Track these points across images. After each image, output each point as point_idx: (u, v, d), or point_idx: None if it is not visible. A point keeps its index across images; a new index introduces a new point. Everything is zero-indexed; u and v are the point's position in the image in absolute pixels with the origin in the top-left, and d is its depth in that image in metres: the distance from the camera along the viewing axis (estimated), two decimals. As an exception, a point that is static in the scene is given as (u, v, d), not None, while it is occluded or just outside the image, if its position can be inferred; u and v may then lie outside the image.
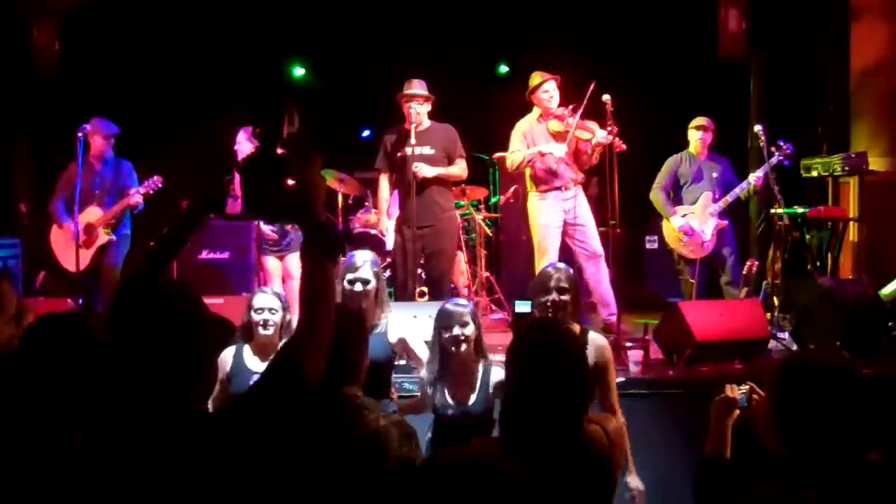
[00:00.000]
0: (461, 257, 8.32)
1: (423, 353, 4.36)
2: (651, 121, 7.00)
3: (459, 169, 6.97)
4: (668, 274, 8.74)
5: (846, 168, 7.82)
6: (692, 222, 7.34)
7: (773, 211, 7.43)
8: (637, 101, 6.97)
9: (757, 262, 7.28)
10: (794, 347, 6.40)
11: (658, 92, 9.07)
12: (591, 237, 6.96)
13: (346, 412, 2.67)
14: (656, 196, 7.50)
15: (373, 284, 4.34)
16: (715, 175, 7.42)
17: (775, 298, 7.20)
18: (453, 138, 6.94)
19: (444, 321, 3.99)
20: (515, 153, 7.01)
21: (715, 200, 7.37)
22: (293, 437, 2.25)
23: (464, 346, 3.97)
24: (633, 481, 4.16)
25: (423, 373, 4.16)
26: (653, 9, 9.43)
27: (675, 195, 7.56)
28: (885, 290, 6.64)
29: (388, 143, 6.94)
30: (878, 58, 8.21)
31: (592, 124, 6.84)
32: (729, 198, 7.35)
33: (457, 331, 3.94)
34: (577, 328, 4.14)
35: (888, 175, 8.07)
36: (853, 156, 7.85)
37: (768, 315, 6.79)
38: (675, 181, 7.53)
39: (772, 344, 6.39)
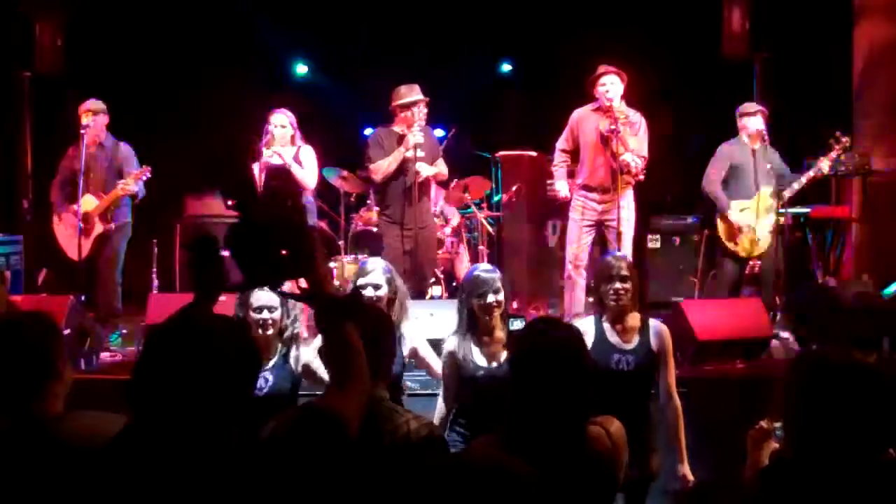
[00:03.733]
0: (464, 255, 8.32)
1: (435, 361, 4.33)
2: (654, 119, 6.97)
3: (445, 167, 7.16)
4: (670, 273, 8.74)
5: (849, 168, 7.81)
6: (749, 218, 7.04)
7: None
8: (640, 99, 6.95)
9: (759, 263, 7.25)
10: (796, 347, 6.39)
11: (661, 91, 9.06)
12: (612, 244, 6.77)
13: (378, 415, 2.67)
14: (712, 188, 7.12)
15: (384, 290, 4.25)
16: (769, 166, 7.00)
17: (777, 298, 7.19)
18: (435, 140, 7.13)
19: (478, 288, 4.01)
20: (556, 154, 7.06)
21: (772, 194, 7.00)
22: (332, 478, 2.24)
23: (497, 313, 4.03)
24: (684, 469, 4.22)
25: (449, 345, 4.13)
26: (657, 8, 9.43)
27: (730, 187, 7.16)
28: (888, 290, 6.63)
29: (383, 144, 6.94)
30: (881, 58, 8.21)
31: (635, 142, 6.64)
32: (787, 192, 7.01)
33: (490, 298, 3.99)
34: (637, 316, 4.21)
35: (891, 175, 8.07)
36: (856, 156, 7.83)
37: (770, 315, 6.77)
38: (730, 172, 7.14)
39: (774, 343, 6.39)
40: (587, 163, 6.84)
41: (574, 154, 6.98)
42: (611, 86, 6.71)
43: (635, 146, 6.64)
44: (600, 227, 6.88)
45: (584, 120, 6.91)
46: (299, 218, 2.20)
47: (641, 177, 6.68)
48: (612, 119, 6.57)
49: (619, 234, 6.69)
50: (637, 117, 6.79)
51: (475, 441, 2.68)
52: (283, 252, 2.11)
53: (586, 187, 6.87)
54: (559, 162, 7.06)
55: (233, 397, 2.00)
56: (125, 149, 7.20)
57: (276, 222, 2.17)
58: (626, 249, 6.71)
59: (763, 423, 2.76)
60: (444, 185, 8.07)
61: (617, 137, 6.54)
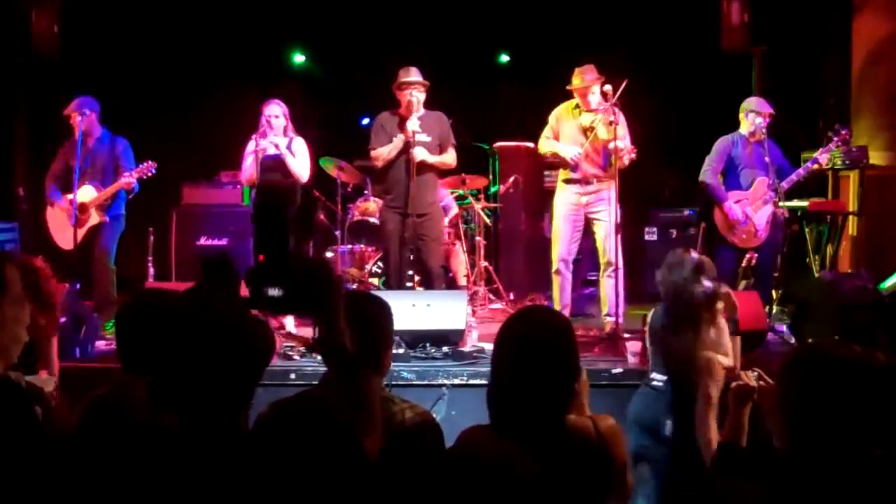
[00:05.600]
0: (460, 247, 8.31)
1: None
2: (653, 112, 6.97)
3: (451, 158, 7.00)
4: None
5: (846, 162, 7.82)
6: (746, 209, 7.06)
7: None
8: (639, 92, 6.94)
9: (756, 255, 7.24)
10: (792, 340, 6.40)
11: (660, 84, 9.06)
12: (602, 237, 6.92)
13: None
14: (708, 180, 7.15)
15: None
16: (768, 159, 7.00)
17: (774, 291, 7.19)
18: (446, 127, 6.97)
19: (711, 272, 4.02)
20: (543, 141, 7.13)
21: (770, 186, 7.02)
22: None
23: None
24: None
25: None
26: (656, 0, 9.41)
27: (727, 179, 7.18)
28: (885, 285, 6.63)
29: (385, 127, 6.90)
30: (879, 51, 8.20)
31: (622, 130, 6.75)
32: (785, 184, 7.01)
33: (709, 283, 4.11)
34: None
35: (888, 169, 8.08)
36: (853, 149, 7.83)
37: (767, 308, 6.77)
38: (728, 164, 7.17)
39: (770, 336, 6.39)
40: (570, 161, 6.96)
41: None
42: (596, 91, 6.88)
43: (622, 133, 6.75)
44: (586, 220, 6.99)
45: (563, 117, 7.06)
46: (331, 275, 2.31)
47: (634, 155, 6.70)
48: (597, 112, 6.79)
49: (601, 227, 6.87)
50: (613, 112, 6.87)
51: (468, 429, 2.67)
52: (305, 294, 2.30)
53: (569, 181, 6.99)
54: (547, 138, 7.12)
55: (237, 384, 2.02)
56: (122, 144, 7.25)
57: (309, 270, 2.26)
58: (612, 241, 6.78)
59: (744, 378, 2.75)
60: (446, 174, 7.95)
61: (607, 126, 6.69)
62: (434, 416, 4.81)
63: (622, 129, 6.76)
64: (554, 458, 2.47)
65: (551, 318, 2.74)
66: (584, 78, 6.90)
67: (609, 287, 6.82)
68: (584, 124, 6.92)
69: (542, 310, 3.04)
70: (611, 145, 6.68)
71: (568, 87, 7.00)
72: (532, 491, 2.45)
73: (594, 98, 6.89)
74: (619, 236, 6.70)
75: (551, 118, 7.13)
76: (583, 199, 6.95)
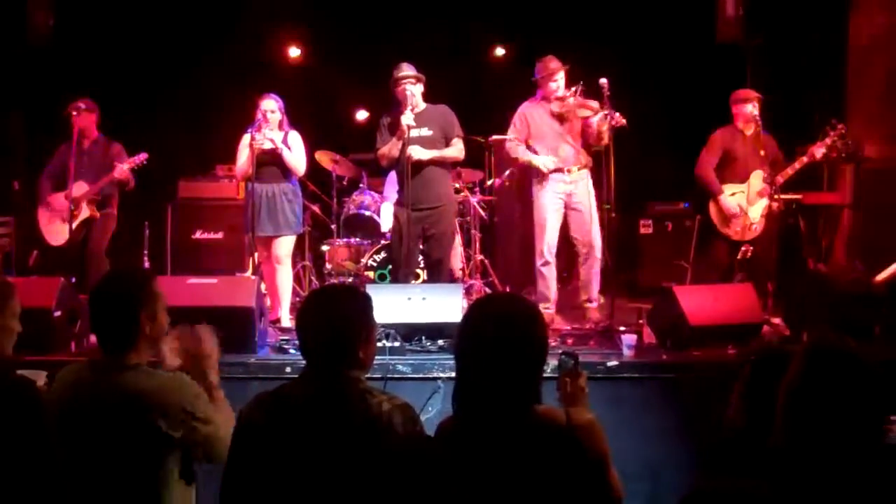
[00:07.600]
0: (457, 240, 8.30)
1: None
2: (647, 104, 6.97)
3: (456, 150, 6.94)
4: (662, 259, 8.75)
5: (842, 155, 7.81)
6: (741, 202, 7.09)
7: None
8: (633, 84, 6.94)
9: (751, 248, 7.25)
10: (787, 333, 6.40)
11: (655, 76, 9.05)
12: (584, 224, 6.97)
13: (351, 397, 2.66)
14: (704, 172, 7.16)
15: None
16: (763, 152, 7.04)
17: (769, 284, 7.20)
18: (450, 119, 6.93)
19: None
20: (515, 147, 7.11)
21: (765, 179, 7.05)
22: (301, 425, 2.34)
23: None
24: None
25: None
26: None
27: (723, 172, 7.18)
28: (880, 277, 6.63)
29: (385, 126, 6.91)
30: (875, 44, 8.19)
31: (594, 102, 6.83)
32: (780, 177, 7.04)
33: None
34: None
35: (884, 162, 8.07)
36: (849, 143, 7.82)
37: (762, 301, 6.78)
38: (723, 157, 7.18)
39: (765, 329, 6.40)
40: (547, 151, 7.00)
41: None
42: (561, 81, 6.95)
43: (595, 106, 6.82)
44: (565, 210, 7.02)
45: (532, 112, 7.08)
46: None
47: (623, 121, 6.67)
48: (564, 98, 6.89)
49: (581, 216, 6.96)
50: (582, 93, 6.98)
51: (445, 419, 2.65)
52: None
53: (552, 171, 6.99)
54: (517, 143, 7.12)
55: None
56: (117, 147, 7.32)
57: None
58: (591, 226, 6.91)
59: None
60: (454, 166, 7.89)
61: (579, 105, 6.84)
62: (428, 409, 4.85)
63: (595, 104, 6.82)
64: (517, 447, 2.45)
65: (515, 304, 2.68)
66: (549, 66, 6.95)
67: (589, 272, 6.97)
68: (556, 110, 6.96)
69: (504, 296, 2.97)
70: (593, 119, 6.73)
71: (532, 79, 7.03)
72: (486, 479, 2.45)
73: (557, 84, 6.94)
74: (598, 221, 6.86)
75: (516, 120, 7.13)
76: (566, 188, 6.98)
